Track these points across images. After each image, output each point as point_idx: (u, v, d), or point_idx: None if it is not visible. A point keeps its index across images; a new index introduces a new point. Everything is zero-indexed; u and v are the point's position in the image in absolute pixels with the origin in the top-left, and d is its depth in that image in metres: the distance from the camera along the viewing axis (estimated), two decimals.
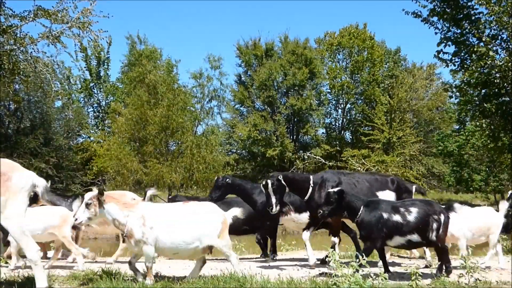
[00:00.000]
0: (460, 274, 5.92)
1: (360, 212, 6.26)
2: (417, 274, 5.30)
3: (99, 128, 32.23)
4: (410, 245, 6.59)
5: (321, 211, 6.34)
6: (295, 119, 34.64)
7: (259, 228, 8.51)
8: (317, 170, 34.21)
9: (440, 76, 37.70)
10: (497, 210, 7.67)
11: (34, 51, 11.07)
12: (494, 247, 7.50)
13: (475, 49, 11.46)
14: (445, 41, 12.25)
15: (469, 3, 11.94)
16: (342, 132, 37.47)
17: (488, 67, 11.25)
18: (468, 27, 11.86)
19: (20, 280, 5.95)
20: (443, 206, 6.62)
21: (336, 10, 62.06)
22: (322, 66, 35.60)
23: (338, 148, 33.64)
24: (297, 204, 8.19)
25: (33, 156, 19.88)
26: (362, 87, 35.27)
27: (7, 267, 7.21)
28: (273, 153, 31.57)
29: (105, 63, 33.25)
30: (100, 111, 33.27)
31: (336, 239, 7.61)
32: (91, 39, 11.48)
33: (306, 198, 7.29)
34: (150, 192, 8.20)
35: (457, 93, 13.58)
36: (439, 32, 12.48)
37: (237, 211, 6.34)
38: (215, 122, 34.97)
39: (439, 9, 12.23)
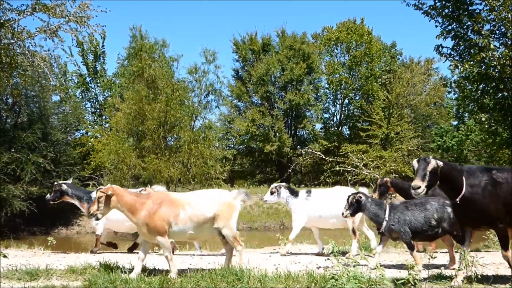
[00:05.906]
0: (458, 268, 5.89)
1: None
2: (413, 268, 5.20)
3: (97, 122, 32.14)
4: None
5: None
6: (293, 114, 34.57)
7: None
8: (315, 165, 34.27)
9: (438, 71, 37.79)
10: None
11: (31, 45, 11.08)
12: None
13: (475, 41, 11.42)
14: (445, 34, 12.20)
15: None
16: (340, 127, 37.44)
17: (487, 60, 11.21)
18: (468, 22, 11.82)
19: (19, 273, 5.96)
20: None
21: (333, 5, 61.88)
22: (320, 61, 35.50)
23: (336, 144, 33.61)
24: None
25: (31, 151, 19.77)
26: (360, 82, 35.22)
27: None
28: (271, 148, 31.51)
29: (101, 58, 33.11)
30: (98, 106, 33.19)
31: None
32: (88, 34, 11.49)
33: None
34: None
35: (456, 89, 13.57)
36: (439, 25, 12.45)
37: None
38: (213, 116, 34.76)
39: (439, 4, 12.19)
